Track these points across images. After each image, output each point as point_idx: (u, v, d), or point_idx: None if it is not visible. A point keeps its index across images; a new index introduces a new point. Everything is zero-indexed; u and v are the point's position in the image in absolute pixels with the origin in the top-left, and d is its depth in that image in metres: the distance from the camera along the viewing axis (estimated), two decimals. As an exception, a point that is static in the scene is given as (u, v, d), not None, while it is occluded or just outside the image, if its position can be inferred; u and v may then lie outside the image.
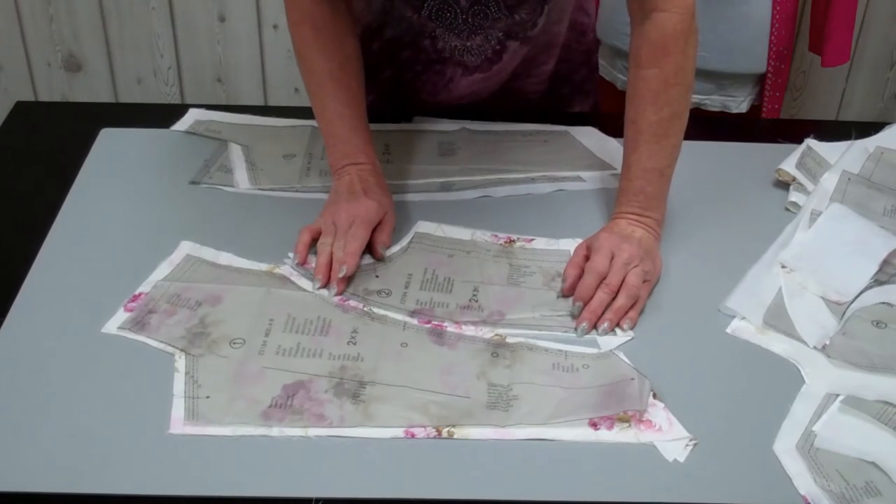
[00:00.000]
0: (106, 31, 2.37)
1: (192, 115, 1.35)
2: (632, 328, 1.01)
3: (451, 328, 1.00)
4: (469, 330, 1.00)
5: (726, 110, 1.75)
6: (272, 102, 2.47)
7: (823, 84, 2.46)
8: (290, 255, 1.08)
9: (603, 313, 1.01)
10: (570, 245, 1.11)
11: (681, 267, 1.10)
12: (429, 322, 1.01)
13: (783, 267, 1.08)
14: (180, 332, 0.98)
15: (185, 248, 1.09)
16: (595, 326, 1.00)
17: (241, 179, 1.22)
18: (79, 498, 0.82)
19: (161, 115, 1.34)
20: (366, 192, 1.11)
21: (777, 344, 0.99)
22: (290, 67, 2.40)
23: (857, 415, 0.90)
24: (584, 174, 1.25)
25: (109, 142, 1.29)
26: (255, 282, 1.05)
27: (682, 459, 0.86)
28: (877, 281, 1.05)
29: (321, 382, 0.93)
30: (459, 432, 0.88)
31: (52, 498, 0.81)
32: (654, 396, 0.92)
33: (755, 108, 1.77)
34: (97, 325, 0.99)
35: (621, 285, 1.02)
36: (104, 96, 2.46)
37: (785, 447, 0.88)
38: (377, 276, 1.07)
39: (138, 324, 0.99)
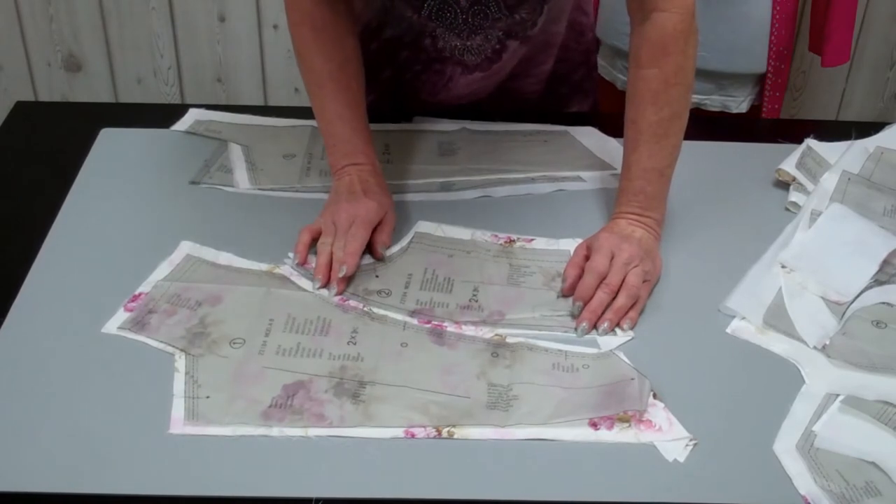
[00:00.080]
0: (106, 31, 2.37)
1: (192, 115, 1.35)
2: (632, 328, 1.01)
3: (451, 328, 1.00)
4: (469, 330, 1.00)
5: (726, 110, 1.75)
6: (272, 102, 2.47)
7: (823, 84, 2.46)
8: (290, 255, 1.08)
9: (603, 313, 1.01)
10: (570, 245, 1.11)
11: (681, 267, 1.10)
12: (429, 322, 1.01)
13: (783, 267, 1.08)
14: (180, 332, 0.98)
15: (185, 248, 1.09)
16: (595, 326, 1.00)
17: (241, 179, 1.22)
18: (79, 498, 0.82)
19: (161, 115, 1.34)
20: (366, 192, 1.11)
21: (777, 344, 0.99)
22: (290, 67, 2.40)
23: (857, 415, 0.90)
24: (584, 174, 1.25)
25: (109, 142, 1.29)
26: (255, 282, 1.05)
27: (682, 459, 0.86)
28: (877, 281, 1.05)
29: (321, 382, 0.93)
30: (459, 432, 0.88)
31: (52, 498, 0.81)
32: (654, 396, 0.92)
33: (755, 108, 1.77)
34: (97, 325, 0.99)
35: (621, 285, 1.02)
36: (104, 96, 2.46)
37: (785, 447, 0.88)
38: (377, 276, 1.07)
39: (138, 324, 0.99)
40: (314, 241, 1.08)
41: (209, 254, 1.09)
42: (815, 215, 1.15)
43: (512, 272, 1.08)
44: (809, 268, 1.08)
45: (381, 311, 1.02)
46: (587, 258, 1.07)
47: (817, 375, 0.95)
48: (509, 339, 0.99)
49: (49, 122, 1.37)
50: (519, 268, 1.09)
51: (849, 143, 1.27)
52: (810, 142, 1.28)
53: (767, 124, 1.66)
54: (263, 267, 1.07)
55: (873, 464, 0.86)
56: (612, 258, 1.04)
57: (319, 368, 0.94)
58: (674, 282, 1.08)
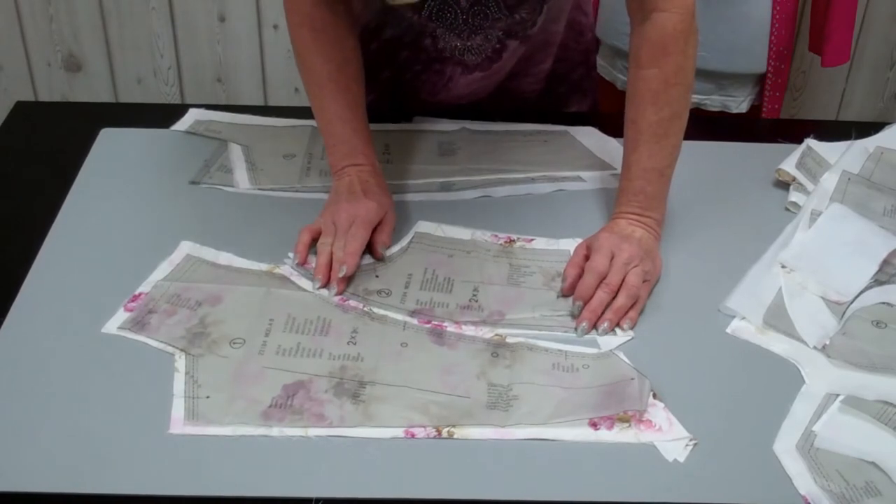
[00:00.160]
0: (106, 31, 2.37)
1: (192, 115, 1.35)
2: (632, 328, 1.01)
3: (451, 328, 1.00)
4: (469, 330, 1.00)
5: (726, 110, 1.75)
6: (272, 102, 2.47)
7: (823, 84, 2.46)
8: (290, 255, 1.08)
9: (603, 313, 1.01)
10: (570, 245, 1.11)
11: (681, 267, 1.10)
12: (429, 322, 1.01)
13: (783, 267, 1.08)
14: (180, 332, 0.98)
15: (185, 248, 1.09)
16: (595, 326, 1.00)
17: (241, 179, 1.22)
18: (79, 498, 0.82)
19: (161, 115, 1.34)
20: (366, 192, 1.11)
21: (777, 344, 0.99)
22: (290, 67, 2.40)
23: (857, 415, 0.90)
24: (584, 174, 1.25)
25: (109, 142, 1.29)
26: (255, 282, 1.05)
27: (682, 459, 0.86)
28: (877, 281, 1.05)
29: (321, 382, 0.93)
30: (459, 432, 0.88)
31: (52, 498, 0.81)
32: (654, 396, 0.92)
33: (755, 108, 1.77)
34: (97, 325, 0.99)
35: (621, 285, 1.02)
36: (104, 96, 2.46)
37: (785, 447, 0.88)
38: (377, 276, 1.07)
39: (138, 324, 0.99)
40: (314, 242, 1.08)
41: (209, 254, 1.09)
42: (815, 215, 1.15)
43: (512, 272, 1.08)
44: (809, 268, 1.08)
45: (381, 311, 1.02)
46: (587, 258, 1.07)
47: (817, 375, 0.95)
48: (509, 339, 0.99)
49: (49, 122, 1.37)
50: (519, 268, 1.09)
51: (849, 143, 1.27)
52: (810, 142, 1.28)
53: (767, 124, 1.66)
54: (263, 267, 1.07)
55: (873, 464, 0.86)
56: (612, 258, 1.04)
57: (319, 368, 0.94)
58: (674, 282, 1.08)
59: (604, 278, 1.03)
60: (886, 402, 0.91)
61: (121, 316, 1.00)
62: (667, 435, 0.88)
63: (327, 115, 1.15)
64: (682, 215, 1.17)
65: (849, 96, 2.50)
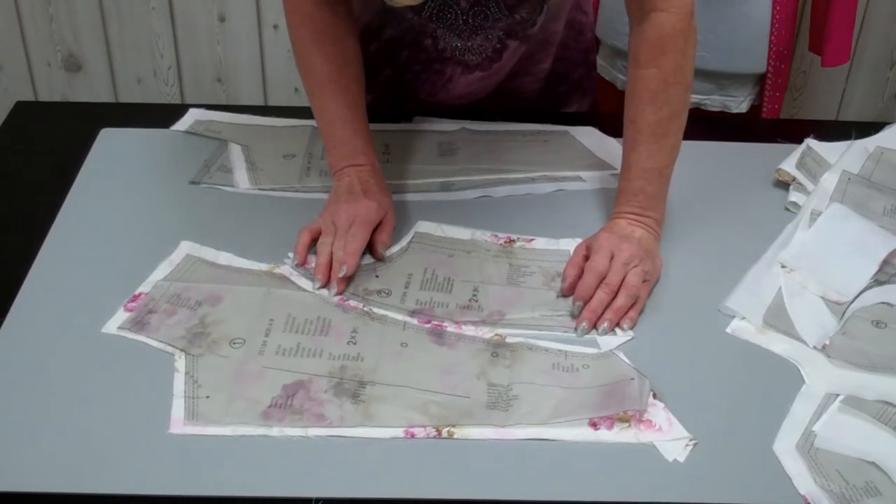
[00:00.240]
0: (106, 31, 2.37)
1: (192, 115, 1.35)
2: (632, 328, 1.01)
3: (451, 328, 1.00)
4: (469, 330, 1.00)
5: (726, 110, 1.75)
6: (272, 102, 2.47)
7: (823, 84, 2.46)
8: (290, 255, 1.08)
9: (603, 313, 1.01)
10: (569, 245, 1.11)
11: (681, 267, 1.10)
12: (429, 322, 1.01)
13: (783, 267, 1.08)
14: (180, 332, 0.98)
15: (185, 248, 1.09)
16: (595, 326, 1.00)
17: (241, 179, 1.22)
18: (79, 498, 0.82)
19: (161, 115, 1.34)
20: (365, 192, 1.11)
21: (777, 344, 0.99)
22: (290, 67, 2.40)
23: (857, 415, 0.90)
24: (584, 174, 1.25)
25: (109, 142, 1.29)
26: (255, 282, 1.05)
27: (682, 459, 0.86)
28: (877, 281, 1.05)
29: (321, 382, 0.93)
30: (459, 432, 0.88)
31: (52, 498, 0.82)
32: (654, 396, 0.92)
33: (755, 108, 1.77)
34: (97, 325, 0.99)
35: (621, 285, 1.02)
36: (104, 96, 2.46)
37: (785, 447, 0.88)
38: (377, 276, 1.07)
39: (138, 324, 0.99)
40: (314, 242, 1.08)
41: (209, 254, 1.09)
42: (815, 215, 1.15)
43: (512, 272, 1.08)
44: (809, 268, 1.08)
45: (381, 311, 1.02)
46: (587, 258, 1.07)
47: (817, 375, 0.95)
48: (509, 339, 0.99)
49: (49, 122, 1.37)
50: (519, 268, 1.09)
51: (849, 143, 1.27)
52: (810, 142, 1.28)
53: (767, 124, 1.66)
54: (263, 267, 1.07)
55: (873, 464, 0.86)
56: (612, 258, 1.04)
57: (319, 368, 0.94)
58: (674, 282, 1.08)
59: (603, 278, 1.03)
60: (886, 402, 0.91)
61: (121, 316, 1.00)
62: (667, 435, 0.88)
63: (327, 115, 1.15)
64: (682, 215, 1.17)
65: (849, 96, 2.50)
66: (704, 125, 1.43)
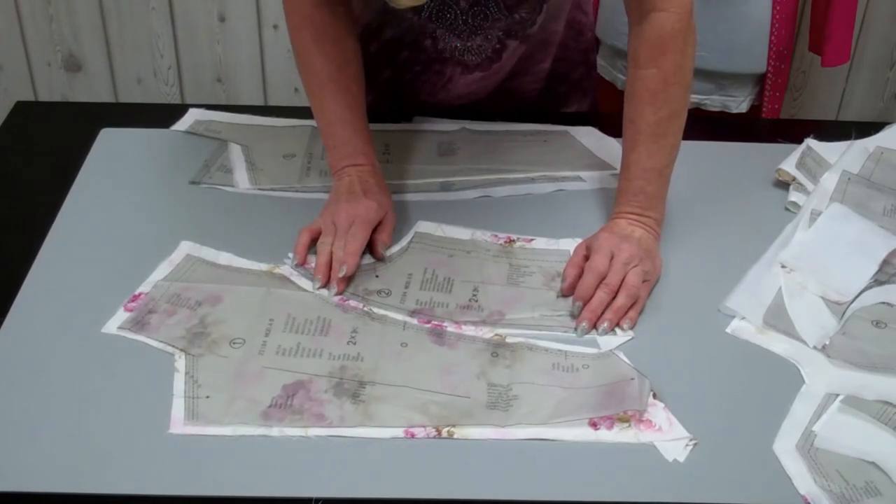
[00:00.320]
0: (106, 31, 2.37)
1: (192, 115, 1.35)
2: (632, 328, 1.01)
3: (450, 328, 1.00)
4: (469, 330, 1.00)
5: (726, 110, 1.75)
6: (272, 102, 2.47)
7: (823, 84, 2.46)
8: (290, 255, 1.08)
9: (603, 313, 1.01)
10: (569, 245, 1.11)
11: (681, 267, 1.10)
12: (429, 322, 1.01)
13: (783, 267, 1.08)
14: (180, 332, 0.98)
15: (185, 248, 1.09)
16: (595, 326, 1.00)
17: (241, 179, 1.22)
18: (79, 498, 0.82)
19: (161, 115, 1.34)
20: (365, 192, 1.11)
21: (777, 344, 0.99)
22: (290, 67, 2.40)
23: (857, 415, 0.90)
24: (583, 174, 1.25)
25: (109, 142, 1.29)
26: (255, 282, 1.05)
27: (682, 459, 0.86)
28: (877, 281, 1.05)
29: (321, 382, 0.93)
30: (459, 432, 0.88)
31: (52, 498, 0.82)
32: (654, 396, 0.92)
33: (755, 108, 1.77)
34: (97, 325, 0.99)
35: (621, 285, 1.02)
36: (104, 96, 2.46)
37: (785, 447, 0.88)
38: (377, 276, 1.07)
39: (138, 324, 0.99)
40: (314, 242, 1.08)
41: (209, 254, 1.09)
42: (815, 215, 1.15)
43: (512, 272, 1.08)
44: (809, 268, 1.08)
45: (381, 311, 1.02)
46: (587, 258, 1.07)
47: (817, 375, 0.95)
48: (509, 339, 0.99)
49: (49, 122, 1.37)
50: (519, 268, 1.09)
51: (849, 143, 1.27)
52: (810, 142, 1.28)
53: (767, 124, 1.66)
54: (263, 267, 1.07)
55: (873, 464, 0.86)
56: (612, 258, 1.04)
57: (319, 368, 0.94)
58: (674, 282, 1.08)
59: (603, 278, 1.03)
60: (886, 402, 0.91)
61: (121, 316, 1.00)
62: (667, 435, 0.88)
63: (327, 115, 1.15)
64: (682, 215, 1.17)
65: (849, 96, 2.50)
66: (704, 125, 1.43)
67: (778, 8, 1.66)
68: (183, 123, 1.33)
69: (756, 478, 0.85)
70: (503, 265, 1.09)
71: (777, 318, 1.02)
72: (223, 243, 1.10)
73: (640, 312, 1.03)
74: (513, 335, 0.99)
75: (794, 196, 1.20)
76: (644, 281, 1.03)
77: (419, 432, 0.88)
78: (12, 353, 0.95)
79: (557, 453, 0.87)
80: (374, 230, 1.09)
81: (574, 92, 1.43)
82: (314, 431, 0.88)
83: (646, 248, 1.07)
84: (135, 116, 1.37)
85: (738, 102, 1.75)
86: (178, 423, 0.88)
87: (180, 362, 0.94)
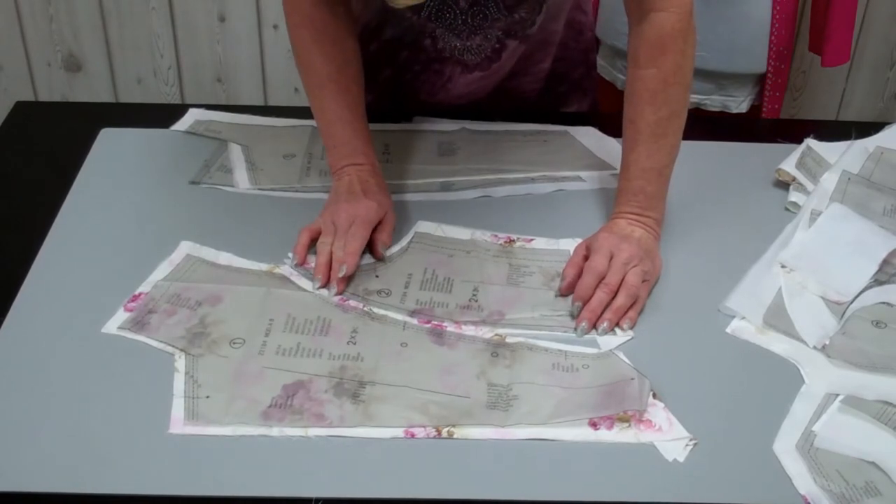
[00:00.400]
0: (106, 31, 2.37)
1: (192, 115, 1.35)
2: (631, 328, 1.01)
3: (450, 328, 1.00)
4: (469, 330, 1.00)
5: (726, 110, 1.75)
6: (272, 102, 2.47)
7: (823, 84, 2.46)
8: (290, 255, 1.08)
9: (602, 313, 1.01)
10: (569, 245, 1.11)
11: (681, 267, 1.10)
12: (429, 322, 1.01)
13: (783, 267, 1.08)
14: (180, 332, 0.98)
15: (185, 248, 1.09)
16: (595, 326, 1.00)
17: (241, 179, 1.22)
18: (79, 498, 0.82)
19: (161, 115, 1.34)
20: (365, 192, 1.11)
21: (777, 344, 0.99)
22: (290, 67, 2.40)
23: (857, 415, 0.90)
24: (583, 174, 1.25)
25: (109, 142, 1.29)
26: (255, 282, 1.05)
27: (681, 459, 0.86)
28: (877, 281, 1.05)
29: (321, 382, 0.93)
30: (459, 432, 0.88)
31: (52, 498, 0.82)
32: (654, 396, 0.92)
33: (755, 108, 1.77)
34: (97, 325, 0.99)
35: (621, 285, 1.02)
36: (104, 96, 2.46)
37: (785, 447, 0.88)
38: (377, 276, 1.07)
39: (138, 324, 0.99)
40: (313, 242, 1.08)
41: (209, 254, 1.09)
42: (815, 215, 1.15)
43: (512, 272, 1.08)
44: (809, 268, 1.08)
45: (381, 311, 1.02)
46: (587, 258, 1.07)
47: (817, 375, 0.95)
48: (509, 339, 0.99)
49: (49, 122, 1.37)
50: (519, 268, 1.09)
51: (849, 143, 1.27)
52: (810, 142, 1.28)
53: (767, 124, 1.66)
54: (263, 267, 1.07)
55: (873, 464, 0.86)
56: (612, 258, 1.04)
57: (319, 368, 0.94)
58: (674, 282, 1.08)
59: (603, 278, 1.03)
60: (886, 402, 0.91)
61: (121, 316, 1.00)
62: (667, 435, 0.88)
63: (327, 115, 1.15)
64: (682, 215, 1.17)
65: (849, 96, 2.50)
66: (704, 125, 1.43)
67: (778, 8, 1.66)
68: (183, 123, 1.33)
69: (756, 478, 0.85)
70: (503, 265, 1.09)
71: (777, 318, 1.02)
72: (223, 243, 1.10)
73: (640, 312, 1.03)
74: (513, 335, 0.99)
75: (794, 196, 1.20)
76: (644, 281, 1.03)
77: (419, 432, 0.88)
78: (12, 353, 0.95)
79: (557, 453, 0.87)
80: (374, 230, 1.09)
81: (574, 92, 1.43)
82: (314, 431, 0.88)
83: (645, 247, 1.07)
84: (135, 116, 1.37)
85: (738, 102, 1.75)
86: (178, 423, 0.88)
87: (180, 362, 0.94)
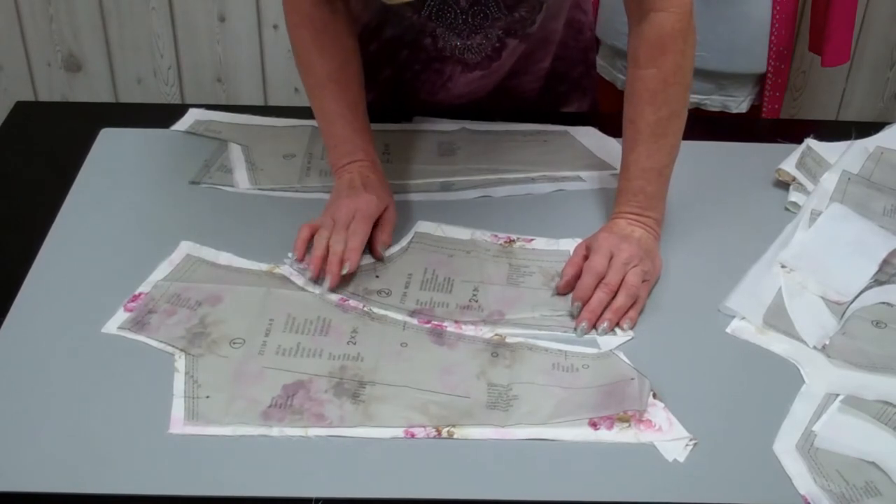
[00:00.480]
0: (106, 31, 2.37)
1: (192, 115, 1.35)
2: (631, 328, 1.01)
3: (450, 328, 1.00)
4: (469, 330, 1.00)
5: (726, 110, 1.75)
6: (272, 102, 2.47)
7: (823, 84, 2.46)
8: (290, 254, 1.08)
9: (602, 313, 1.01)
10: (569, 245, 1.11)
11: (681, 267, 1.10)
12: (429, 322, 1.01)
13: (783, 267, 1.08)
14: (180, 332, 0.98)
15: (185, 248, 1.09)
16: (595, 326, 1.00)
17: (241, 179, 1.22)
18: (79, 498, 0.82)
19: (161, 115, 1.34)
20: (365, 186, 1.11)
21: (777, 344, 0.99)
22: (290, 67, 2.40)
23: (857, 415, 0.90)
24: (583, 174, 1.25)
25: (109, 142, 1.29)
26: (255, 282, 1.05)
27: (682, 459, 0.86)
28: (877, 281, 1.05)
29: (321, 382, 0.93)
30: (459, 432, 0.88)
31: (52, 498, 0.82)
32: (654, 396, 0.92)
33: (755, 108, 1.77)
34: (97, 325, 0.99)
35: (620, 285, 1.02)
36: (104, 96, 2.46)
37: (785, 447, 0.88)
38: (377, 276, 1.07)
39: (138, 324, 0.99)
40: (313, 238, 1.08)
41: (209, 254, 1.09)
42: (815, 215, 1.15)
43: (512, 272, 1.08)
44: (809, 268, 1.08)
45: (381, 311, 1.02)
46: (586, 258, 1.06)
47: (817, 375, 0.95)
48: (509, 339, 0.99)
49: (49, 122, 1.37)
50: (519, 268, 1.09)
51: (849, 143, 1.27)
52: (810, 142, 1.28)
53: (767, 124, 1.66)
54: (263, 267, 1.07)
55: (873, 464, 0.86)
56: (612, 258, 1.04)
57: (319, 368, 0.94)
58: (674, 282, 1.08)
59: (602, 278, 1.03)
60: (886, 402, 0.91)
61: (121, 316, 1.00)
62: (667, 435, 0.88)
63: (328, 114, 1.15)
64: (682, 215, 1.17)
65: (849, 96, 2.50)
66: (704, 125, 1.43)
67: (778, 8, 1.66)
68: (183, 123, 1.33)
69: (756, 478, 0.85)
70: (503, 265, 1.09)
71: (777, 318, 1.02)
72: (223, 243, 1.10)
73: (640, 312, 1.03)
74: (513, 335, 0.99)
75: (794, 196, 1.20)
76: (644, 281, 1.03)
77: (419, 432, 0.88)
78: (12, 353, 0.95)
79: (557, 453, 0.87)
80: (375, 228, 1.09)
81: (574, 91, 1.43)
82: (314, 431, 0.88)
83: (645, 247, 1.07)
84: (135, 116, 1.37)
85: (738, 102, 1.75)
86: (178, 423, 0.88)
87: (180, 362, 0.94)
